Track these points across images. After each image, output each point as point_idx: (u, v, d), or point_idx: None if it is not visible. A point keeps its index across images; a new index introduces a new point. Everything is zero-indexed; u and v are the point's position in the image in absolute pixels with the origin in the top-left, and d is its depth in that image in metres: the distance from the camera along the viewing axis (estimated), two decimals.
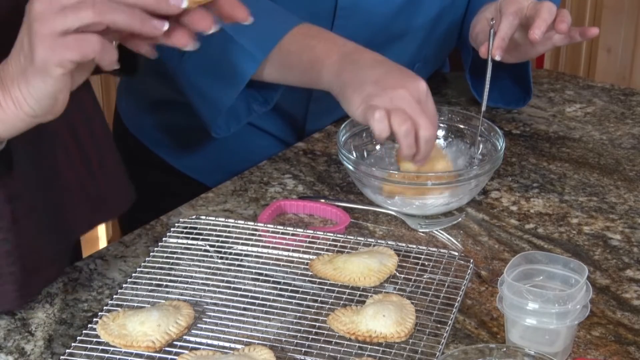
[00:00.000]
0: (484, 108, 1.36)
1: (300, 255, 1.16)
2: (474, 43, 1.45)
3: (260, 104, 1.38)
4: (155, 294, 1.09)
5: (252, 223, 1.22)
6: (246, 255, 1.16)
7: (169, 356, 0.99)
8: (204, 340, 1.02)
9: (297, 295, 1.09)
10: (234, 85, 1.30)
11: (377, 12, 1.42)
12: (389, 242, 1.17)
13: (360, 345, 1.01)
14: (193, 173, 1.56)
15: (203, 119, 1.37)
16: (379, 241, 1.18)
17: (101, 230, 2.72)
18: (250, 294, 1.08)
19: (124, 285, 1.11)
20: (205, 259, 1.16)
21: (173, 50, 1.36)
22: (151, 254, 1.16)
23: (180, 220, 1.23)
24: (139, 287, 1.10)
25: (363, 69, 1.24)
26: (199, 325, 1.04)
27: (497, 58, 1.35)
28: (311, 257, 1.15)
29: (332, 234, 1.19)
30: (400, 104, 1.19)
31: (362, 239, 1.19)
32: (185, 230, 1.21)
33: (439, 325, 1.04)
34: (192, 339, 1.02)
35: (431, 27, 1.49)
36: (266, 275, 1.12)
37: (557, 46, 1.40)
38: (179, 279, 1.12)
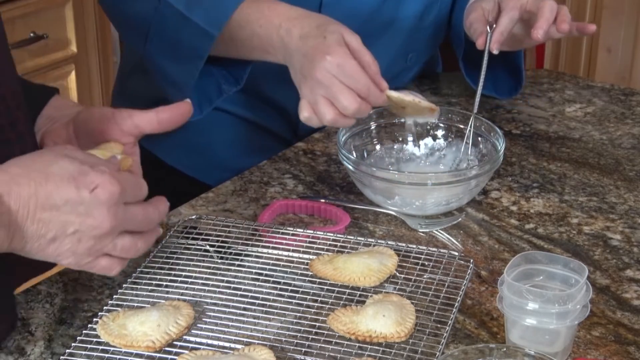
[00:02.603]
0: (476, 107, 1.36)
1: (300, 255, 1.16)
2: (467, 31, 1.46)
3: (230, 83, 1.38)
4: (155, 294, 1.09)
5: (252, 223, 1.22)
6: (246, 255, 1.16)
7: (169, 356, 0.99)
8: (204, 340, 1.02)
9: (297, 295, 1.09)
10: (193, 64, 1.30)
11: (363, 0, 1.42)
12: (389, 242, 1.17)
13: (360, 345, 1.01)
14: (190, 171, 1.56)
15: (171, 101, 1.38)
16: (379, 241, 1.18)
17: None
18: (250, 294, 1.08)
19: (124, 285, 1.11)
20: (205, 259, 1.16)
21: (137, 36, 1.37)
22: (151, 254, 1.16)
23: (180, 220, 1.23)
24: (139, 287, 1.10)
25: (293, 55, 1.25)
26: (199, 325, 1.04)
27: (495, 52, 1.39)
28: (311, 257, 1.15)
29: (332, 234, 1.19)
30: (319, 91, 1.20)
31: (362, 239, 1.19)
32: (185, 230, 1.21)
33: (439, 325, 1.04)
34: (192, 339, 1.02)
35: (420, 15, 1.49)
36: (266, 275, 1.12)
37: (553, 39, 1.43)
38: (179, 279, 1.12)
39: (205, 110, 1.38)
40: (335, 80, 1.18)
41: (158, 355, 1.00)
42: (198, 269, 1.13)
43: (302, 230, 1.20)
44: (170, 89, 1.37)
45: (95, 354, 1.00)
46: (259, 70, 1.36)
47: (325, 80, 1.19)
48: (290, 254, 1.16)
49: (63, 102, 1.14)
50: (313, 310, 1.07)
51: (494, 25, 1.39)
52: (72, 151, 0.93)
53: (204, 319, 1.05)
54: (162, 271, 1.13)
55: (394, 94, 1.23)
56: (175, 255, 1.16)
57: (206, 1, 1.28)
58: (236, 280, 1.11)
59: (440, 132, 1.39)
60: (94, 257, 0.92)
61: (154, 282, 1.11)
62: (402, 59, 1.55)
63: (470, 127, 1.35)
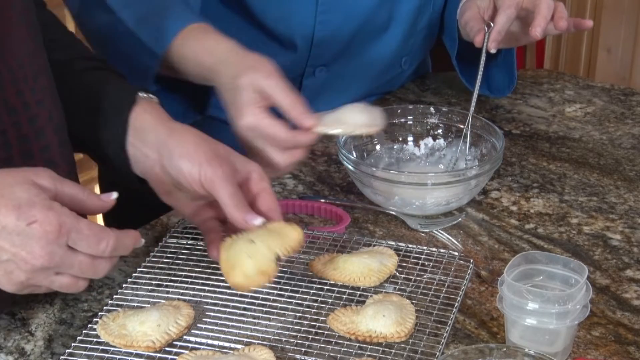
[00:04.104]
0: (473, 106, 1.36)
1: (300, 255, 1.16)
2: (463, 30, 1.46)
3: (196, 111, 1.36)
4: (155, 294, 1.09)
5: None
6: None
7: (169, 356, 0.99)
8: (204, 340, 1.02)
9: (297, 295, 1.09)
10: (145, 80, 1.28)
11: (358, 4, 1.42)
12: (389, 242, 1.17)
13: (360, 345, 1.01)
14: None
15: None
16: (379, 241, 1.18)
17: None
18: (250, 294, 1.08)
19: (124, 285, 1.11)
20: (205, 259, 1.15)
21: (100, 49, 1.36)
22: (151, 254, 1.16)
23: (180, 220, 1.23)
24: (139, 287, 1.10)
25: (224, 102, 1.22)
26: (199, 325, 1.04)
27: (493, 51, 1.39)
28: (311, 257, 1.15)
29: (332, 234, 1.19)
30: (250, 151, 1.17)
31: (362, 239, 1.19)
32: (185, 230, 1.21)
33: (439, 325, 1.04)
34: (192, 339, 1.02)
35: (415, 16, 1.49)
36: None
37: (550, 35, 1.43)
38: (179, 279, 1.12)
39: None
40: (257, 141, 1.15)
41: (158, 355, 1.00)
42: (198, 269, 1.13)
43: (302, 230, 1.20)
44: None
45: (95, 354, 1.00)
46: None
47: (247, 143, 1.16)
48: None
49: (141, 124, 1.08)
50: (313, 310, 1.07)
51: (491, 24, 1.39)
52: (45, 178, 0.90)
53: (204, 319, 1.05)
54: (162, 271, 1.13)
55: (322, 129, 1.16)
56: (175, 255, 1.16)
57: (153, 21, 1.27)
58: None
59: (440, 132, 1.39)
60: (31, 289, 0.91)
61: (154, 282, 1.11)
62: (397, 63, 1.55)
63: (468, 125, 1.35)
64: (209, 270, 1.13)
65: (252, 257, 0.99)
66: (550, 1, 1.37)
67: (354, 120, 1.18)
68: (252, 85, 1.14)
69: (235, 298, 1.08)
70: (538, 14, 1.36)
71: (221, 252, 1.02)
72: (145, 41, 1.26)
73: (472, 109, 1.36)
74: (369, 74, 1.53)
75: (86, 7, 1.33)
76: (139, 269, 1.13)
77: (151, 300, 1.08)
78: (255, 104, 1.14)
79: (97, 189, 1.70)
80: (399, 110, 1.40)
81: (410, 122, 1.39)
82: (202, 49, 1.22)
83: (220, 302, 1.07)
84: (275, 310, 1.06)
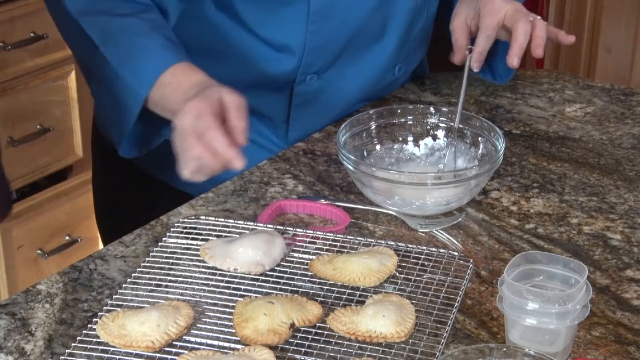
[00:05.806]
0: (457, 120, 1.37)
1: (300, 255, 1.16)
2: (451, 33, 1.47)
3: (171, 129, 1.36)
4: (155, 294, 1.09)
5: (252, 223, 1.21)
6: None
7: (169, 356, 0.99)
8: (203, 340, 1.02)
9: (297, 295, 1.09)
10: (128, 116, 1.27)
11: (351, 14, 1.41)
12: (389, 242, 1.17)
13: (360, 345, 1.01)
14: (180, 185, 1.51)
15: (111, 137, 1.35)
16: (379, 241, 1.18)
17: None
18: (250, 294, 1.08)
19: (124, 285, 1.11)
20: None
21: (83, 72, 1.36)
22: (151, 254, 1.16)
23: (180, 220, 1.23)
24: (139, 287, 1.10)
25: None
26: (198, 325, 1.04)
27: (476, 70, 1.44)
28: (311, 257, 1.15)
29: (332, 234, 1.19)
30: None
31: (362, 239, 1.19)
32: (185, 230, 1.21)
33: (439, 325, 1.04)
34: (192, 339, 1.02)
35: (409, 24, 1.49)
36: (266, 275, 1.12)
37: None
38: (179, 279, 1.12)
39: (144, 151, 1.34)
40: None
41: (158, 355, 1.00)
42: (198, 269, 1.13)
43: (302, 230, 1.20)
44: (111, 129, 1.35)
45: (95, 354, 1.00)
46: (238, 81, 1.33)
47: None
48: (290, 254, 1.16)
49: None
50: None
51: (472, 48, 1.43)
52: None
53: (203, 319, 1.05)
54: (162, 271, 1.13)
55: (209, 261, 1.14)
56: (175, 255, 1.16)
57: (136, 58, 1.25)
58: (236, 280, 1.11)
59: (440, 132, 1.39)
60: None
61: (153, 282, 1.11)
62: (390, 71, 1.54)
63: (454, 137, 1.36)
64: (209, 270, 1.13)
65: (268, 315, 1.01)
66: (527, 27, 1.38)
67: (243, 256, 1.13)
68: (218, 93, 1.16)
69: (235, 298, 1.08)
70: (514, 42, 1.38)
71: (237, 307, 1.04)
72: (127, 80, 1.25)
73: (456, 124, 1.36)
74: (361, 82, 1.52)
75: (70, 33, 1.33)
76: (138, 269, 1.13)
77: (151, 300, 1.08)
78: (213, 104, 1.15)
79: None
80: (399, 110, 1.40)
81: (410, 122, 1.39)
82: (173, 92, 1.23)
83: (220, 302, 1.07)
84: None
